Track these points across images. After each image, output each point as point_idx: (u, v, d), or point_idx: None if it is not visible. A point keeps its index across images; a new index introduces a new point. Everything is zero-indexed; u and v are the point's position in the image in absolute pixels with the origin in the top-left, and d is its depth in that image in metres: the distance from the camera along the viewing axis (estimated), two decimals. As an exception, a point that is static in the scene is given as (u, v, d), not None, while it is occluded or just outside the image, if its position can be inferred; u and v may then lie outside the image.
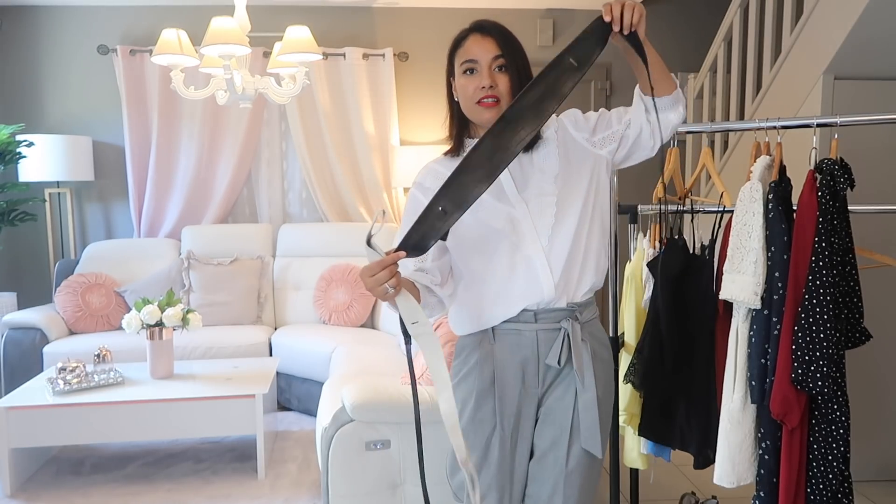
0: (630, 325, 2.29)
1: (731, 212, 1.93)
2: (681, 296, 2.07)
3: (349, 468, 2.28)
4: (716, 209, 2.12)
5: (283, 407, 4.10)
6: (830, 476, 1.80)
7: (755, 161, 1.93)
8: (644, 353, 2.14)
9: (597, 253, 1.56)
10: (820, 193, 1.79)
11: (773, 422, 1.81)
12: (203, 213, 4.82)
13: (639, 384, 2.17)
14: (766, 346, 1.82)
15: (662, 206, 2.24)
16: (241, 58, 3.27)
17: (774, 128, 1.97)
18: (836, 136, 1.91)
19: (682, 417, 2.13)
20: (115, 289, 4.29)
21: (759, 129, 2.00)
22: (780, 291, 1.80)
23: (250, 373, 3.36)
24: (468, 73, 1.50)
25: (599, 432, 1.51)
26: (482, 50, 1.48)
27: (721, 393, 1.94)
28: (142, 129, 4.72)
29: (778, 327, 1.80)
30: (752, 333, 1.85)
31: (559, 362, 1.51)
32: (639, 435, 2.26)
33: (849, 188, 1.82)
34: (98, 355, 3.29)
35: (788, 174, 1.88)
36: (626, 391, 2.25)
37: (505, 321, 1.53)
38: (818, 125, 1.92)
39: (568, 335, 1.51)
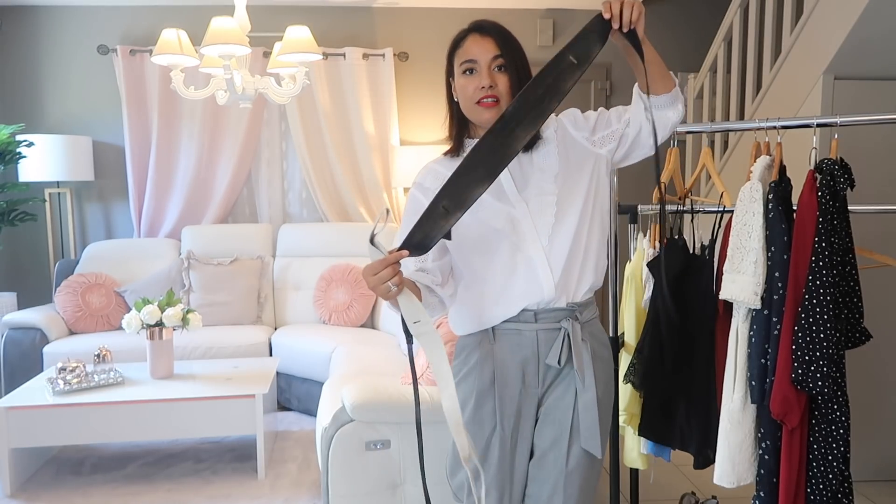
0: (630, 325, 2.29)
1: (731, 212, 1.93)
2: (681, 296, 2.07)
3: (349, 468, 2.28)
4: (716, 209, 2.12)
5: (283, 407, 4.10)
6: (830, 476, 1.80)
7: (755, 161, 1.93)
8: (644, 353, 2.14)
9: (596, 252, 1.56)
10: (820, 193, 1.79)
11: (773, 422, 1.81)
12: (203, 213, 4.82)
13: (639, 384, 2.17)
14: (766, 346, 1.82)
15: (661, 206, 2.24)
16: (241, 58, 3.27)
17: (774, 128, 1.97)
18: (836, 136, 1.91)
19: (682, 417, 2.13)
20: (115, 289, 4.29)
21: (759, 129, 2.00)
22: (780, 291, 1.80)
23: (250, 373, 3.36)
24: (468, 73, 1.50)
25: (599, 432, 1.51)
26: (481, 50, 1.48)
27: (721, 393, 1.94)
28: (142, 129, 4.72)
29: (778, 327, 1.80)
30: (752, 333, 1.85)
31: (559, 362, 1.51)
32: (639, 435, 2.26)
33: (849, 188, 1.82)
34: (98, 355, 3.29)
35: (788, 174, 1.88)
36: (626, 391, 2.25)
37: (505, 321, 1.53)
38: (818, 125, 1.92)
39: (568, 335, 1.51)
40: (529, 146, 1.52)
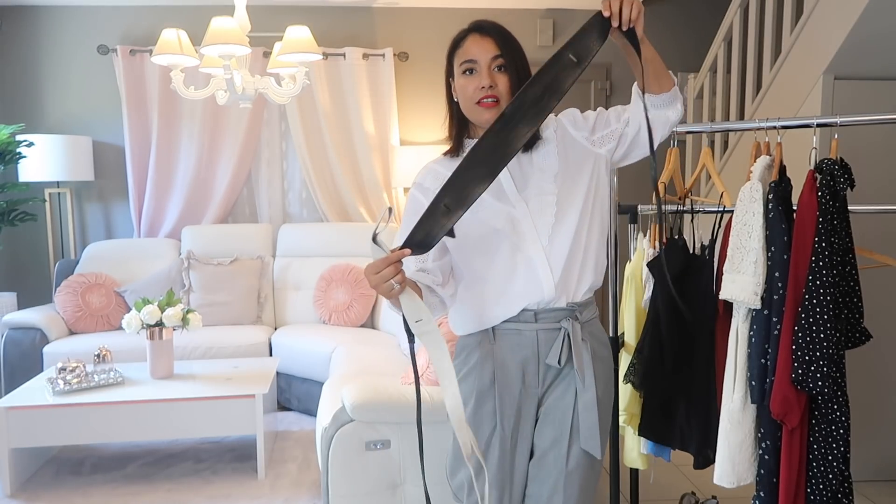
0: (630, 325, 2.29)
1: (731, 212, 1.93)
2: (681, 296, 2.07)
3: (349, 468, 2.28)
4: (716, 209, 2.12)
5: (283, 407, 4.10)
6: (830, 476, 1.80)
7: (755, 161, 1.93)
8: (644, 353, 2.14)
9: (596, 252, 1.56)
10: (820, 193, 1.79)
11: (773, 422, 1.81)
12: (203, 213, 4.82)
13: (639, 384, 2.17)
14: (766, 346, 1.82)
15: (663, 206, 2.24)
16: (241, 58, 3.27)
17: (774, 128, 1.97)
18: (836, 136, 1.91)
19: (682, 417, 2.13)
20: (115, 289, 4.29)
21: (759, 129, 2.00)
22: (780, 291, 1.80)
23: (250, 373, 3.36)
24: (468, 73, 1.50)
25: (599, 433, 1.51)
26: (481, 50, 1.48)
27: (721, 393, 1.94)
28: (142, 129, 4.72)
29: (778, 327, 1.80)
30: (752, 333, 1.85)
31: (559, 362, 1.51)
32: (639, 435, 2.26)
33: (849, 188, 1.82)
34: (98, 355, 3.29)
35: (788, 174, 1.88)
36: (626, 391, 2.25)
37: (505, 321, 1.53)
38: (818, 125, 1.92)
39: (568, 335, 1.51)
40: (529, 146, 1.52)
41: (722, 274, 1.90)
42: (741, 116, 3.87)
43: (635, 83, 1.49)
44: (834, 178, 1.80)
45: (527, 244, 1.50)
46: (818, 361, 1.72)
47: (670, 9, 4.99)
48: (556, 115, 1.58)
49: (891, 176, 2.93)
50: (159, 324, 3.19)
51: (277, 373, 3.94)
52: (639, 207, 2.43)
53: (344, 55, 4.77)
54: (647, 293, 2.25)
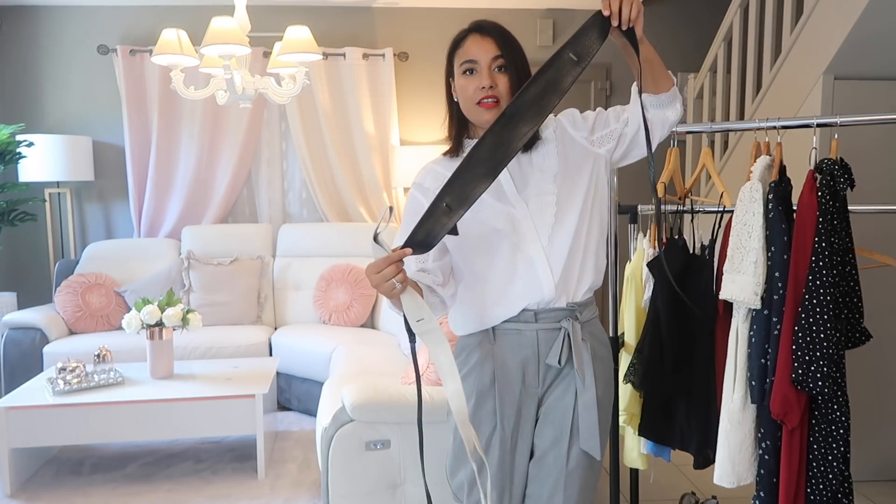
0: (630, 325, 2.29)
1: (731, 212, 1.93)
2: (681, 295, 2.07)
3: (349, 468, 2.28)
4: (716, 209, 2.12)
5: (283, 407, 4.10)
6: (830, 476, 1.80)
7: (755, 161, 1.93)
8: (644, 353, 2.14)
9: (596, 252, 1.56)
10: (820, 193, 1.79)
11: (773, 422, 1.81)
12: (203, 213, 4.82)
13: (639, 384, 2.17)
14: (766, 346, 1.82)
15: (663, 206, 2.24)
16: (241, 58, 3.27)
17: (774, 128, 1.97)
18: (836, 136, 1.91)
19: (682, 417, 2.13)
20: (115, 289, 4.29)
21: (759, 129, 2.00)
22: (780, 291, 1.80)
23: (250, 373, 3.36)
24: (468, 73, 1.50)
25: (599, 434, 1.51)
26: (482, 50, 1.48)
27: (721, 393, 1.94)
28: (142, 129, 4.72)
29: (778, 327, 1.80)
30: (752, 333, 1.85)
31: (559, 362, 1.51)
32: (639, 435, 2.26)
33: (849, 188, 1.82)
34: (98, 355, 3.29)
35: (788, 174, 1.88)
36: (626, 391, 2.25)
37: (505, 321, 1.53)
38: (818, 125, 1.92)
39: (568, 335, 1.51)
40: (529, 146, 1.52)
41: (722, 274, 1.90)
42: (741, 116, 3.87)
43: (634, 83, 1.49)
44: (834, 178, 1.80)
45: (527, 244, 1.50)
46: (818, 361, 1.72)
47: (670, 9, 4.99)
48: (555, 116, 1.58)
49: (891, 176, 2.93)
50: (159, 324, 3.19)
51: (277, 373, 3.94)
52: (639, 207, 2.43)
53: (344, 55, 4.77)
54: (647, 293, 2.25)
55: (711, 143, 4.00)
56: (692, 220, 2.22)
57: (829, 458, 1.80)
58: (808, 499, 1.83)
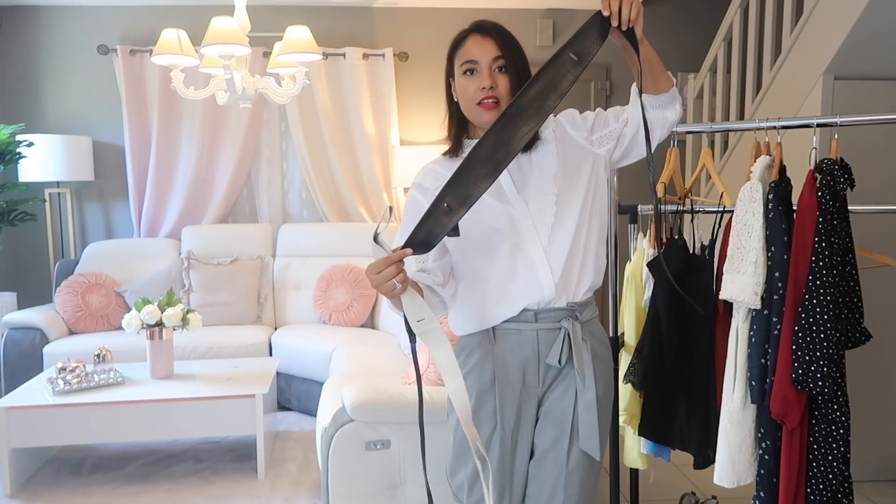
0: (630, 325, 2.29)
1: (731, 212, 1.93)
2: (681, 296, 2.07)
3: (349, 468, 2.28)
4: (716, 209, 2.12)
5: (283, 407, 4.10)
6: (830, 476, 1.80)
7: (755, 161, 1.93)
8: (644, 353, 2.14)
9: (596, 252, 1.56)
10: (820, 193, 1.79)
11: (773, 422, 1.81)
12: (203, 213, 4.82)
13: (639, 384, 2.17)
14: (766, 346, 1.82)
15: (662, 206, 2.24)
16: (241, 58, 3.27)
17: (774, 128, 1.97)
18: (836, 136, 1.91)
19: (682, 417, 2.13)
20: (115, 289, 4.29)
21: (759, 129, 2.00)
22: (780, 291, 1.80)
23: (250, 373, 3.36)
24: (468, 73, 1.50)
25: (598, 435, 1.51)
26: (482, 51, 1.48)
27: (721, 393, 1.94)
28: (142, 129, 4.72)
29: (778, 327, 1.80)
30: (752, 333, 1.85)
31: (560, 362, 1.51)
32: (639, 435, 2.26)
33: (849, 188, 1.82)
34: (98, 355, 3.29)
35: (788, 174, 1.88)
36: (626, 391, 2.25)
37: (505, 321, 1.53)
38: (818, 125, 1.92)
39: (568, 334, 1.51)
40: (528, 146, 1.52)
41: (722, 274, 1.90)
42: (741, 116, 3.87)
43: (634, 83, 1.49)
44: (834, 178, 1.80)
45: (527, 244, 1.50)
46: (818, 361, 1.72)
47: (670, 9, 4.98)
48: (554, 116, 1.58)
49: (891, 176, 2.93)
50: (159, 324, 3.19)
51: (277, 373, 3.94)
52: (639, 207, 2.43)
53: (344, 55, 4.77)
54: (647, 293, 2.25)
55: (711, 143, 4.00)
56: (692, 220, 2.22)
57: (829, 458, 1.80)
58: (808, 499, 1.83)
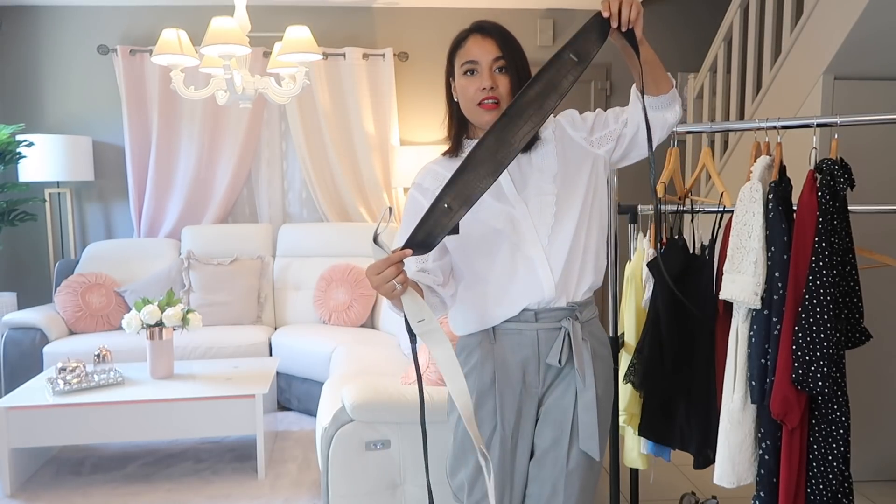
0: (630, 325, 2.29)
1: (731, 212, 1.93)
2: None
3: (349, 468, 2.28)
4: (716, 209, 2.12)
5: (283, 407, 4.10)
6: (830, 476, 1.80)
7: (755, 161, 1.93)
8: (644, 353, 2.14)
9: (596, 252, 1.56)
10: (820, 193, 1.79)
11: (773, 422, 1.81)
12: (203, 213, 4.82)
13: (639, 384, 2.17)
14: (766, 346, 1.82)
15: (662, 206, 2.24)
16: (241, 58, 3.27)
17: (774, 128, 1.97)
18: (836, 136, 1.91)
19: (682, 417, 2.13)
20: (115, 289, 4.29)
21: (759, 129, 2.00)
22: (780, 291, 1.80)
23: (250, 373, 3.36)
24: (468, 74, 1.50)
25: (598, 435, 1.51)
26: (483, 51, 1.48)
27: (721, 393, 1.94)
28: (142, 129, 4.73)
29: (778, 327, 1.80)
30: (752, 333, 1.85)
31: (560, 361, 1.51)
32: (639, 435, 2.26)
33: (849, 188, 1.82)
34: (98, 355, 3.29)
35: (788, 174, 1.88)
36: (626, 391, 2.25)
37: (506, 321, 1.53)
38: (818, 125, 1.92)
39: (568, 334, 1.51)
40: (528, 147, 1.52)
41: (722, 274, 1.90)
42: (741, 116, 3.87)
43: (634, 84, 1.49)
44: (834, 178, 1.80)
45: (527, 244, 1.50)
46: (818, 361, 1.72)
47: (670, 9, 4.98)
48: (554, 116, 1.58)
49: (891, 176, 2.93)
50: (159, 324, 3.19)
51: (277, 373, 3.94)
52: (639, 207, 2.43)
53: (344, 55, 4.77)
54: (647, 293, 2.25)
55: (711, 143, 4.00)
56: (692, 220, 2.22)
57: (829, 458, 1.80)
58: (808, 499, 1.83)
